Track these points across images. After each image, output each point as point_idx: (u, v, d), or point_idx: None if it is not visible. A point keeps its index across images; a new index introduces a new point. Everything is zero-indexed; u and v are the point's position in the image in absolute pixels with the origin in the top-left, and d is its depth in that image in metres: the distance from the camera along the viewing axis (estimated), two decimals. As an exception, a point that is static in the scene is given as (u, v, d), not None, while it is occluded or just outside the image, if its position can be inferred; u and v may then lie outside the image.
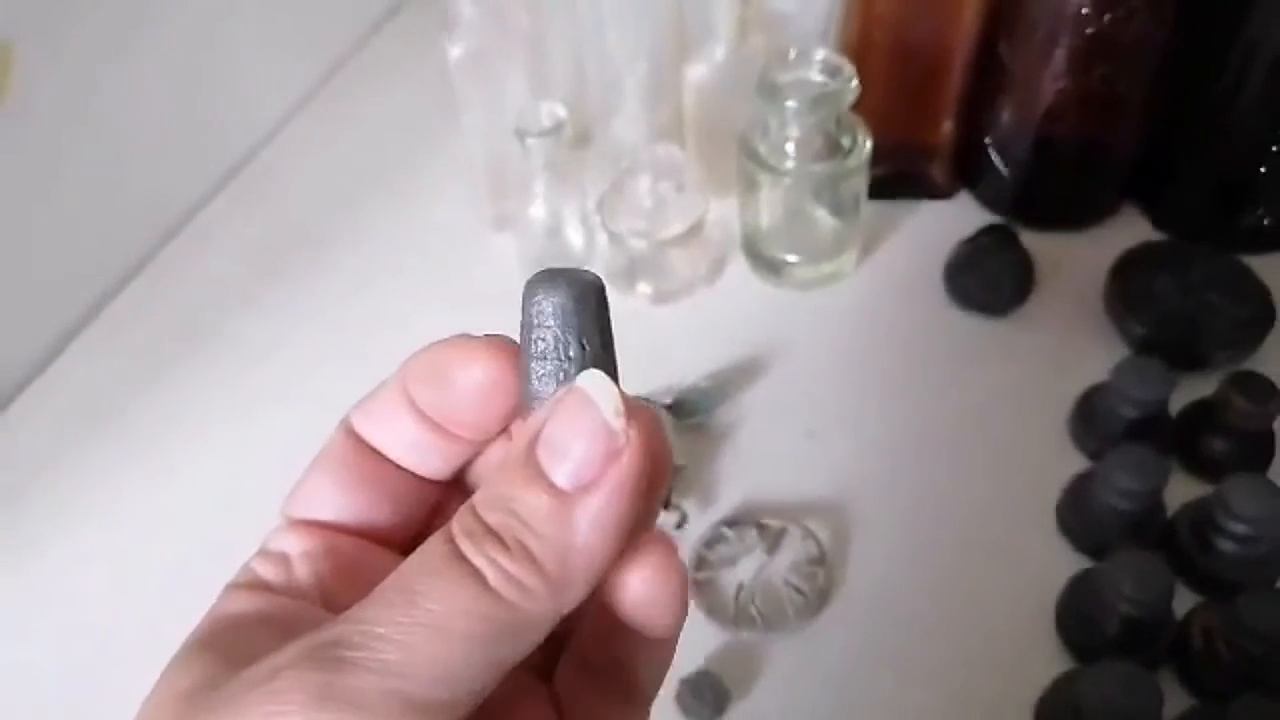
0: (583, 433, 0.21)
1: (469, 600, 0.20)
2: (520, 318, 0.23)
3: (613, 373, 0.23)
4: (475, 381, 0.24)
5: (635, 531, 0.22)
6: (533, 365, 0.23)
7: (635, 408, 0.21)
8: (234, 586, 0.25)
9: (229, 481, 0.58)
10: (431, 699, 0.20)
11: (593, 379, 0.21)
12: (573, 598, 0.21)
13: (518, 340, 0.23)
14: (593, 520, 0.21)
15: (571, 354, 0.22)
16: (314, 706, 0.19)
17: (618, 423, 0.21)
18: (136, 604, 0.53)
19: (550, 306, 0.22)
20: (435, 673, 0.20)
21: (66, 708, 0.51)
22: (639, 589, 0.22)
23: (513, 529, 0.21)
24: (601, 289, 0.23)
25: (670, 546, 0.23)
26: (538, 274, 0.23)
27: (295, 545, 0.25)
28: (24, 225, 0.62)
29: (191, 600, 0.55)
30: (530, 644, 0.21)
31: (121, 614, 0.53)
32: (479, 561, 0.21)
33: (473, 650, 0.20)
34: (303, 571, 0.25)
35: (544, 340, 0.22)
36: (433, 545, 0.21)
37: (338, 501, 0.25)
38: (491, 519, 0.21)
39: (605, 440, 0.21)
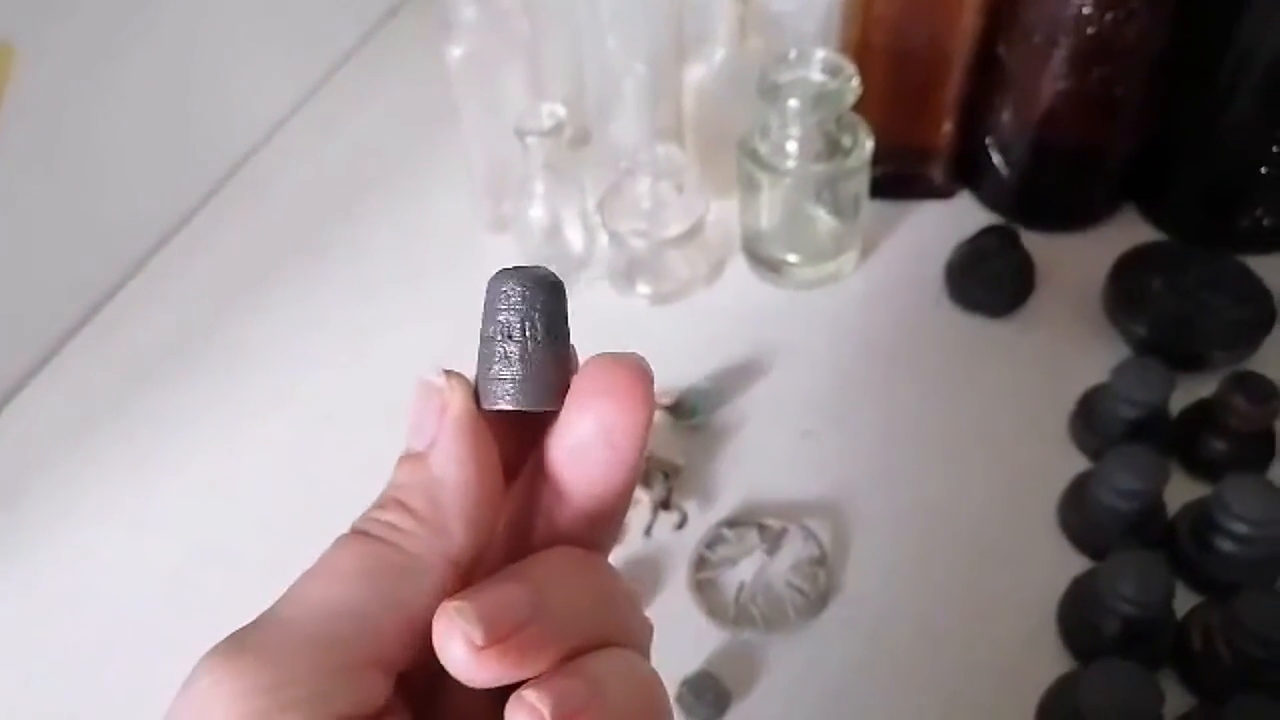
0: (421, 405, 0.24)
1: (354, 547, 0.23)
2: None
3: (563, 360, 0.24)
4: None
5: (491, 468, 0.24)
6: (483, 348, 0.24)
7: (450, 370, 0.24)
8: None
9: (224, 485, 0.58)
10: (327, 634, 0.21)
11: (430, 370, 0.24)
12: (455, 535, 0.23)
13: None
14: (443, 458, 0.23)
15: (520, 337, 0.24)
16: (219, 667, 0.21)
17: (439, 380, 0.24)
18: (132, 607, 0.53)
19: (506, 295, 0.24)
20: (330, 609, 0.22)
21: (61, 711, 0.51)
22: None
23: (387, 493, 0.24)
24: (557, 284, 0.24)
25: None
26: (502, 269, 0.24)
27: None
28: (17, 228, 0.62)
29: (186, 603, 0.54)
30: (426, 584, 0.23)
31: (117, 616, 0.53)
32: (361, 524, 0.24)
33: (363, 586, 0.22)
34: None
35: (498, 326, 0.24)
36: None
37: None
38: (375, 501, 0.24)
39: (433, 399, 0.23)
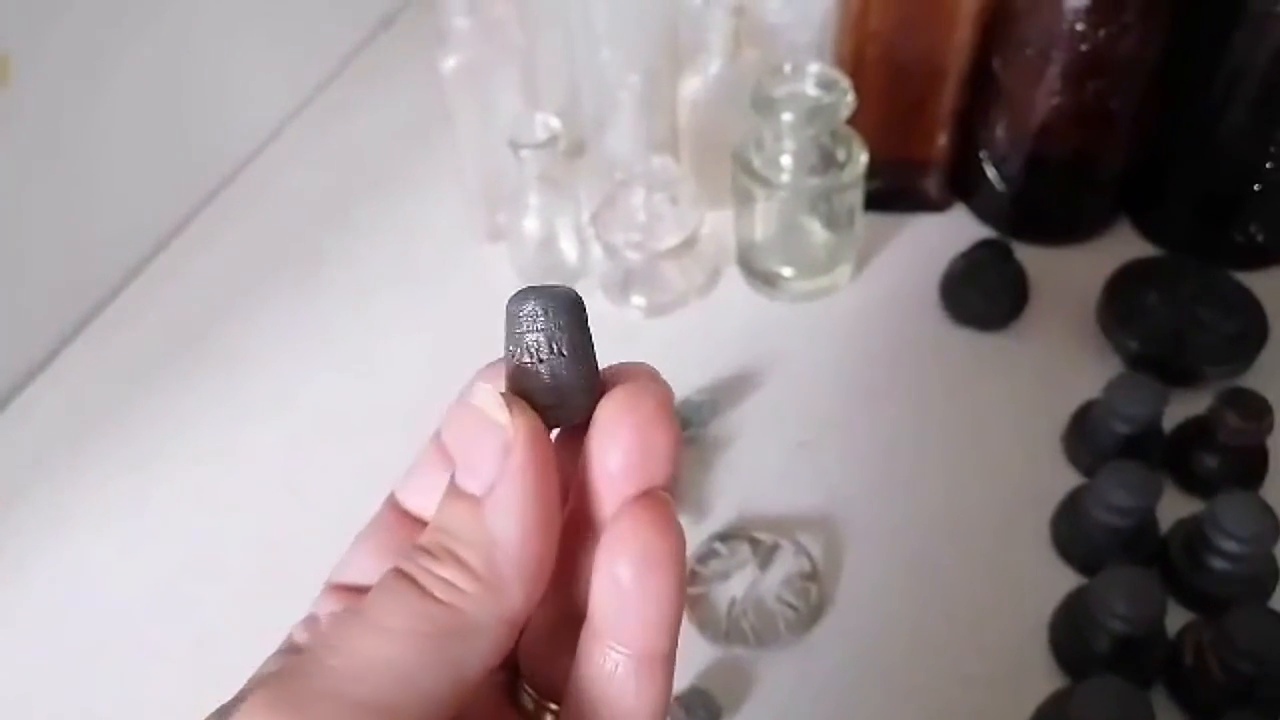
0: (475, 439, 0.22)
1: (406, 602, 0.22)
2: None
3: (591, 379, 0.24)
4: None
5: (553, 521, 0.22)
6: (512, 370, 0.23)
7: (514, 401, 0.22)
8: (276, 653, 0.25)
9: (221, 490, 0.58)
10: (375, 700, 0.20)
11: (477, 391, 0.23)
12: (511, 596, 0.22)
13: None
14: (503, 512, 0.22)
15: (544, 358, 0.23)
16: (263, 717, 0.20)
17: (501, 417, 0.22)
18: (127, 611, 0.53)
19: (527, 316, 0.23)
20: (378, 672, 0.21)
21: (56, 713, 0.51)
22: (626, 573, 0.22)
23: (440, 540, 0.22)
24: (578, 300, 0.24)
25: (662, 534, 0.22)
26: (520, 290, 0.24)
27: (325, 607, 0.26)
28: (14, 232, 0.62)
29: (181, 608, 0.54)
30: (480, 648, 0.22)
31: (112, 622, 0.53)
32: (413, 570, 0.22)
33: (414, 649, 0.21)
34: None
35: (522, 348, 0.23)
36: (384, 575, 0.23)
37: (372, 566, 0.26)
38: (424, 540, 0.23)
39: (494, 439, 0.22)
